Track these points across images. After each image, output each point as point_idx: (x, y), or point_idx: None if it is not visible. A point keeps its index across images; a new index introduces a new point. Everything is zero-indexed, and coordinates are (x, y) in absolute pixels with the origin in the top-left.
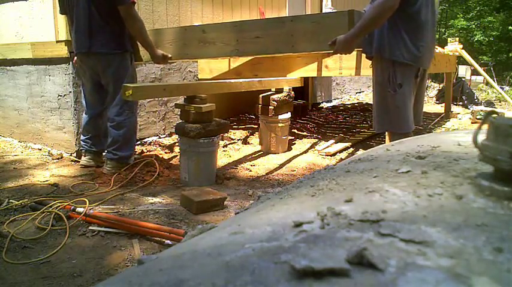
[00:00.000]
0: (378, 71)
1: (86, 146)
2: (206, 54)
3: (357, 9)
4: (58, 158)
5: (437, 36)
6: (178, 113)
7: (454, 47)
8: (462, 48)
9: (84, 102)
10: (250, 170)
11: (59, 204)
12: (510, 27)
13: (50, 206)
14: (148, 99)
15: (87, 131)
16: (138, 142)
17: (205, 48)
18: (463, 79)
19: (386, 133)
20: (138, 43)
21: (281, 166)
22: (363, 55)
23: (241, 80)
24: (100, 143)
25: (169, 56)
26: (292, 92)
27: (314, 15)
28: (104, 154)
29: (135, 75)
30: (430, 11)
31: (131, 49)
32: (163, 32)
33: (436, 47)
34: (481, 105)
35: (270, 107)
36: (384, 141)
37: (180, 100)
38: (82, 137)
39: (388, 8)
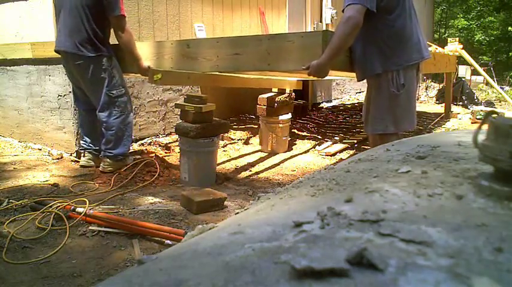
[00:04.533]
0: (377, 76)
1: (84, 145)
2: (189, 68)
3: None
4: (58, 158)
5: (437, 36)
6: (178, 113)
7: (454, 47)
8: (462, 48)
9: (74, 98)
10: (250, 170)
11: (59, 204)
12: (510, 28)
13: (50, 206)
14: (149, 99)
15: (83, 128)
16: (138, 142)
17: (188, 63)
18: (463, 79)
19: (373, 135)
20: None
21: (281, 166)
22: None
23: (252, 76)
24: (98, 142)
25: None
26: (293, 93)
27: (290, 34)
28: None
29: (115, 76)
30: (407, 8)
31: (110, 52)
32: (151, 45)
33: (436, 47)
34: (481, 105)
35: (270, 107)
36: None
37: (180, 100)
38: (81, 138)
39: (354, 26)
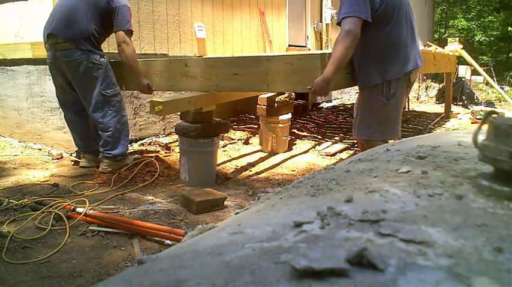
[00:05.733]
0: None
1: (81, 149)
2: (188, 87)
3: None
4: (58, 158)
5: (437, 36)
6: (179, 113)
7: (454, 47)
8: (462, 48)
9: (60, 105)
10: (250, 170)
11: (59, 204)
12: (510, 28)
13: (50, 206)
14: (149, 99)
15: (77, 132)
16: (138, 142)
17: (187, 82)
18: (463, 79)
19: (362, 140)
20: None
21: (281, 166)
22: None
23: None
24: (94, 142)
25: (153, 88)
26: (293, 93)
27: (288, 56)
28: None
29: (109, 75)
30: (403, 16)
31: (103, 53)
32: (149, 63)
33: (436, 47)
34: (481, 105)
35: (270, 107)
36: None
37: None
38: (75, 141)
39: (353, 39)
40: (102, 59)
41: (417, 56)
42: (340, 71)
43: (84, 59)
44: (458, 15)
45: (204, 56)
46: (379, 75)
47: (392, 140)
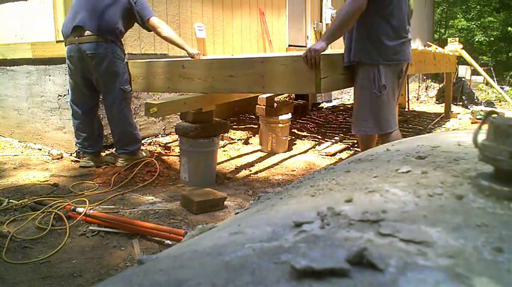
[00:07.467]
0: (361, 74)
1: (82, 149)
2: (185, 89)
3: None
4: (58, 158)
5: (437, 36)
6: (178, 113)
7: (454, 47)
8: (462, 48)
9: (71, 101)
10: (250, 170)
11: (59, 204)
12: (510, 28)
13: (50, 206)
14: (149, 99)
15: (82, 131)
16: None
17: (184, 83)
18: (463, 79)
19: (361, 136)
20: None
21: (281, 166)
22: None
23: None
24: (96, 143)
25: (200, 53)
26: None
27: (283, 57)
28: (102, 154)
29: (127, 71)
30: (403, 8)
31: (123, 46)
32: (148, 63)
33: (436, 47)
34: (481, 105)
35: (270, 107)
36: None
37: None
38: (76, 140)
39: (357, 9)
40: (124, 55)
41: (403, 52)
42: (337, 37)
43: (110, 53)
44: (458, 15)
45: (202, 57)
46: (357, 54)
47: (390, 133)
